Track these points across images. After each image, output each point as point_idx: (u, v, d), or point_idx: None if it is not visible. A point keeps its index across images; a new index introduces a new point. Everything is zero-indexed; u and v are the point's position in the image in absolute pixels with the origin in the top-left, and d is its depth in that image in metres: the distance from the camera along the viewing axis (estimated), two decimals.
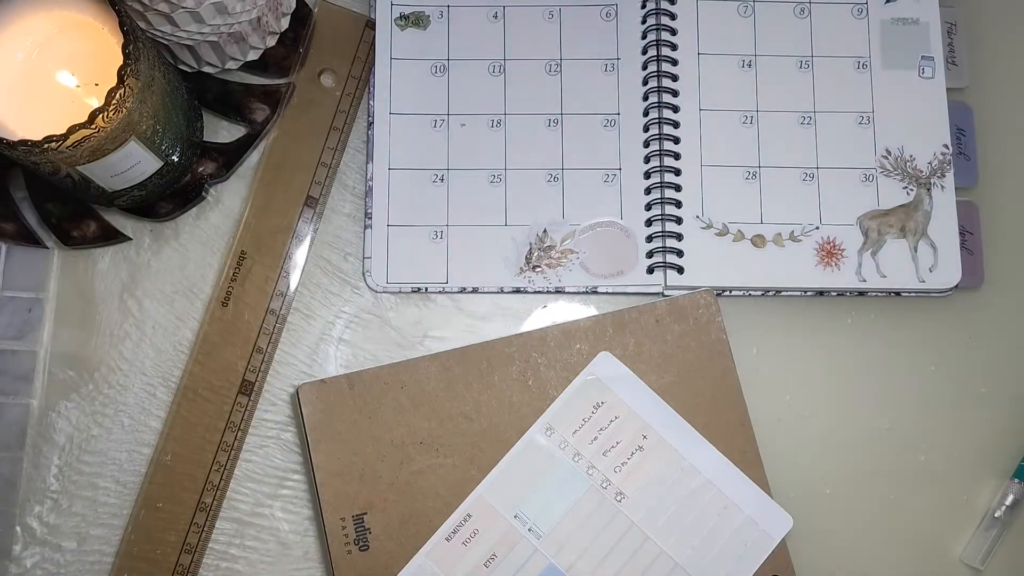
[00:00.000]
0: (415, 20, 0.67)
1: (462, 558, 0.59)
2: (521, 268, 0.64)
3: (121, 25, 0.52)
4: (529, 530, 0.59)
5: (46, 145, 0.51)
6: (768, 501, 0.60)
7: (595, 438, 0.60)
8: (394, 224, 0.65)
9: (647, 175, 0.66)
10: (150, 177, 0.60)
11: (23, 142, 0.51)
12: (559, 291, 0.65)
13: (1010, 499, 0.63)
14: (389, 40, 0.67)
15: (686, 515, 0.60)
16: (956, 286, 0.65)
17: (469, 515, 0.60)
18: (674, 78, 0.67)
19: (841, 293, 0.65)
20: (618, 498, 0.59)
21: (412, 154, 0.66)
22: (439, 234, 0.65)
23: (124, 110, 0.53)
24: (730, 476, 0.60)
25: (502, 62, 0.67)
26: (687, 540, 0.59)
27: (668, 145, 0.66)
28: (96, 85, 0.57)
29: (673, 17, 0.67)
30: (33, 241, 0.63)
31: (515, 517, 0.59)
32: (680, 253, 0.64)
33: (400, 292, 0.64)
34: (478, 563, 0.59)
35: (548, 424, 0.60)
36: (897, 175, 0.66)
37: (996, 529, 0.63)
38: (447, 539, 0.59)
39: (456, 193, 0.65)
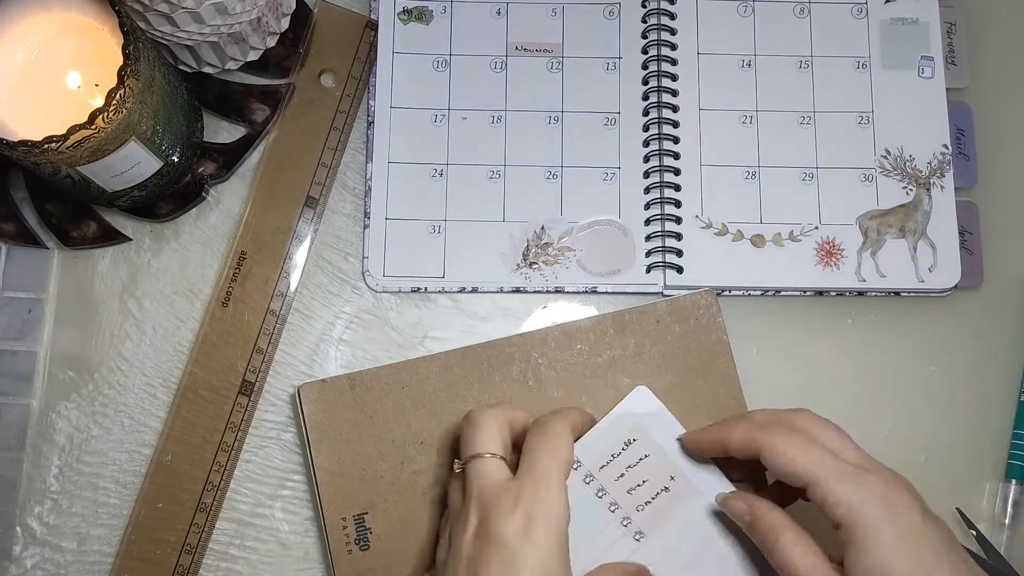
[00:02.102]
0: (418, 15, 0.67)
1: None
2: (518, 264, 0.64)
3: (121, 26, 0.52)
4: None
5: (46, 145, 0.51)
6: None
7: (622, 475, 0.58)
8: (392, 217, 0.65)
9: (646, 174, 0.66)
10: (150, 177, 0.60)
11: (23, 142, 0.50)
12: (559, 291, 0.65)
13: (1011, 502, 0.63)
14: (392, 34, 0.67)
15: (704, 560, 0.57)
16: (956, 286, 0.65)
17: None
18: (674, 78, 0.67)
19: (841, 293, 0.65)
20: (637, 537, 0.57)
21: (412, 148, 0.66)
22: (437, 228, 0.65)
23: (124, 110, 0.53)
24: None
25: (504, 58, 0.67)
26: None
27: (668, 144, 0.66)
28: (96, 85, 0.57)
29: (673, 17, 0.68)
30: (33, 241, 0.63)
31: None
32: (679, 253, 0.65)
33: (399, 291, 0.64)
34: None
35: (576, 457, 0.58)
36: (896, 175, 0.66)
37: (1006, 533, 0.63)
38: None
39: (455, 188, 0.65)
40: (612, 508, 0.57)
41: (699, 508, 0.57)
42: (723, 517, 0.57)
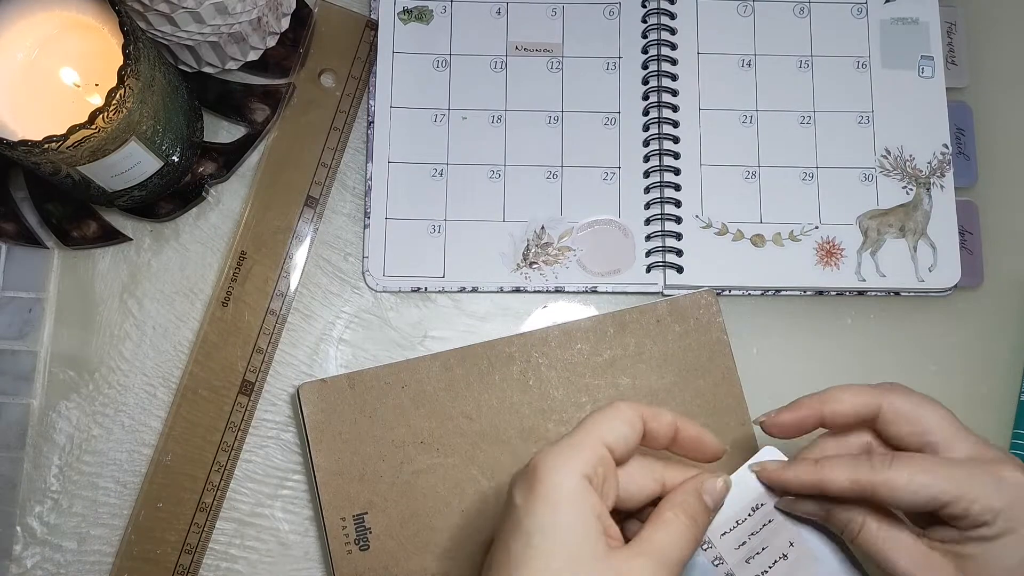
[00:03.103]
0: (418, 14, 0.67)
1: None
2: (518, 264, 0.64)
3: (121, 25, 0.52)
4: None
5: (46, 145, 0.51)
6: None
7: (743, 543, 0.51)
8: (392, 217, 0.65)
9: (646, 174, 0.66)
10: (150, 177, 0.60)
11: (23, 142, 0.50)
12: (559, 291, 0.65)
13: None
14: (392, 34, 0.67)
15: None
16: (956, 286, 0.65)
17: None
18: (674, 78, 0.67)
19: (841, 293, 0.65)
20: None
21: (412, 148, 0.66)
22: (437, 228, 0.65)
23: (124, 110, 0.53)
24: None
25: (504, 58, 0.67)
26: None
27: (668, 144, 0.66)
28: (96, 85, 0.57)
29: (673, 17, 0.68)
30: (33, 241, 0.63)
31: None
32: (679, 252, 0.65)
33: (399, 291, 0.64)
34: None
35: None
36: (896, 175, 0.66)
37: None
38: None
39: (455, 188, 0.65)
40: None
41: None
42: None
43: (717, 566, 0.52)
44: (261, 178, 0.64)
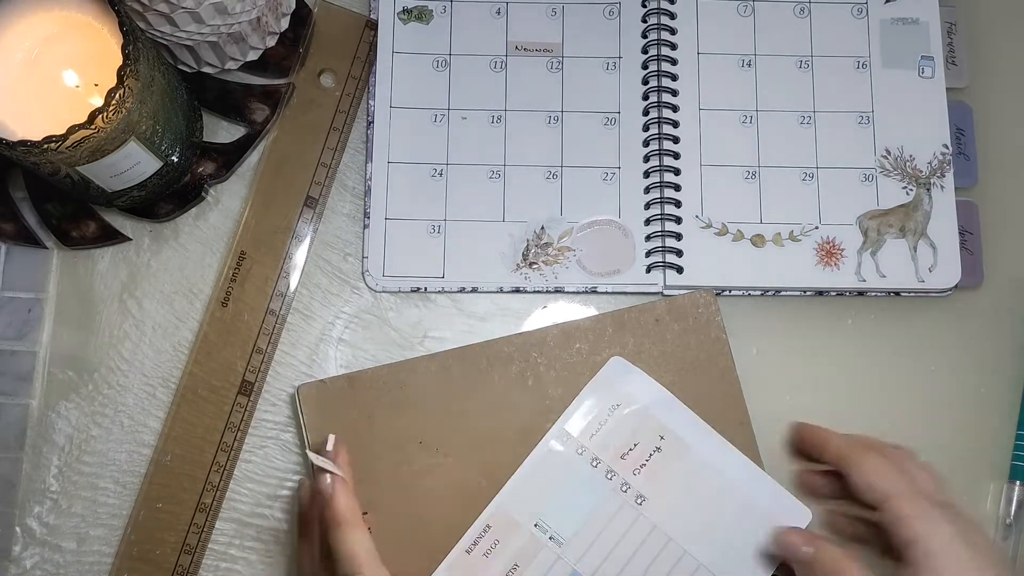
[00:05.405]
0: (418, 14, 0.67)
1: (484, 570, 0.58)
2: (518, 264, 0.64)
3: (121, 25, 0.52)
4: (550, 538, 0.59)
5: (46, 145, 0.51)
6: (785, 495, 0.60)
7: (613, 441, 0.60)
8: (392, 217, 0.65)
9: (646, 174, 0.66)
10: (150, 177, 0.60)
11: (23, 142, 0.50)
12: (558, 291, 0.65)
13: (1015, 503, 0.63)
14: (391, 34, 0.67)
15: (707, 514, 0.59)
16: (956, 286, 0.65)
17: (489, 526, 0.59)
18: (674, 78, 0.67)
19: (841, 293, 0.65)
20: (638, 501, 0.59)
21: (412, 148, 0.66)
22: (437, 228, 0.65)
23: (124, 110, 0.53)
24: (747, 471, 0.60)
25: (504, 58, 0.67)
26: (709, 539, 0.59)
27: (668, 145, 0.66)
28: (96, 85, 0.56)
29: (673, 17, 0.67)
30: (33, 241, 0.63)
31: (535, 526, 0.59)
32: (679, 253, 0.65)
33: (399, 291, 0.64)
34: (501, 574, 0.59)
35: (564, 430, 0.60)
36: (897, 175, 0.66)
37: (1013, 536, 0.63)
38: (467, 551, 0.59)
39: (455, 188, 0.65)
40: (609, 476, 0.59)
41: (692, 462, 0.60)
42: (717, 467, 0.59)
43: (596, 467, 0.60)
44: (261, 178, 0.64)
